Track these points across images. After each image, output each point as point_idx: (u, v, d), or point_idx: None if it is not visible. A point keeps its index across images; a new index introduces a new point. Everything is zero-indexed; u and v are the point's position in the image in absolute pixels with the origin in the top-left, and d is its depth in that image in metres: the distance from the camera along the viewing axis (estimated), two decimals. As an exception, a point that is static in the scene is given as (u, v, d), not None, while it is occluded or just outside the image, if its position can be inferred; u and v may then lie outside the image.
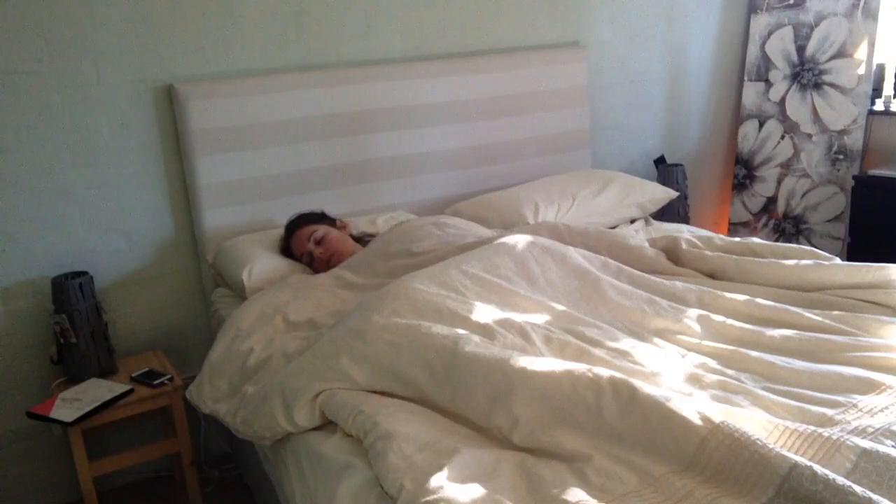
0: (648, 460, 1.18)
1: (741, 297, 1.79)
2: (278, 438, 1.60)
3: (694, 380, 1.47)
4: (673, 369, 1.49)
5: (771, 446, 1.10)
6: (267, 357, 1.78)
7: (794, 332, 1.63)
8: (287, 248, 2.35)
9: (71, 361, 2.17)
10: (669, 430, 1.18)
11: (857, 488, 1.02)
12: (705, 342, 1.63)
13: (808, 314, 1.70)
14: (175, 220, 2.46)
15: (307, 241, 2.29)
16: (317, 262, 2.27)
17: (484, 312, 1.62)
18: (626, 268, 1.95)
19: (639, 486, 1.16)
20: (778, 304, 1.75)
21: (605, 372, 1.31)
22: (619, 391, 1.26)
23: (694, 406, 1.21)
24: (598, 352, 1.52)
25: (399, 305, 1.59)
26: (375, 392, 1.48)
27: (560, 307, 1.72)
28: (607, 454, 1.22)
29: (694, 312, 1.72)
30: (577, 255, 1.95)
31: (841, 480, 1.03)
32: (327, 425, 1.52)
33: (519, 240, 1.96)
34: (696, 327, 1.67)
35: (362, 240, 2.43)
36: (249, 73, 2.47)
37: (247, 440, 2.11)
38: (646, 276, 1.91)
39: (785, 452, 1.09)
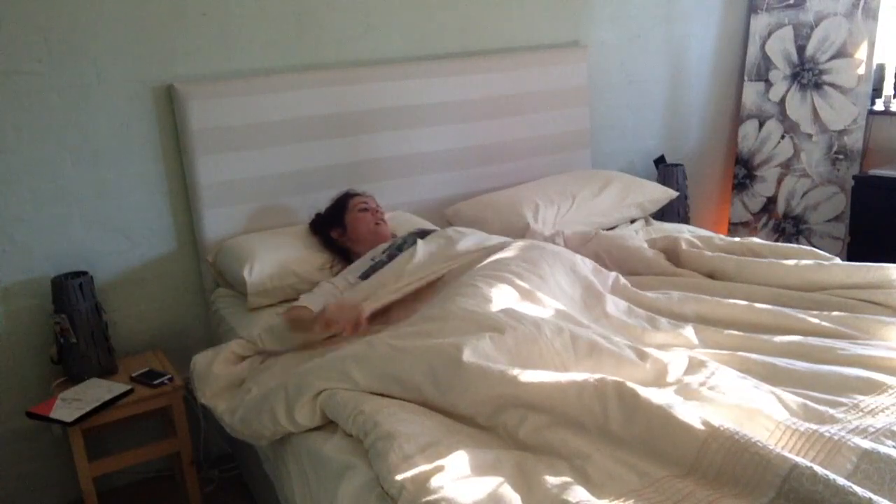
0: (650, 464, 1.19)
1: (740, 303, 1.78)
2: (276, 439, 1.60)
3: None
4: (679, 361, 1.49)
5: (771, 447, 1.10)
6: (274, 361, 1.78)
7: (795, 337, 1.62)
8: (339, 207, 2.38)
9: (71, 361, 2.17)
10: (671, 436, 1.18)
11: (858, 489, 1.02)
12: (706, 350, 1.63)
13: (808, 318, 1.69)
14: (175, 219, 2.46)
15: (372, 202, 2.38)
16: (374, 218, 2.33)
17: (496, 303, 1.62)
18: (628, 286, 1.94)
19: (640, 485, 1.16)
20: (777, 308, 1.75)
21: (609, 379, 1.31)
22: (623, 399, 1.26)
23: (695, 411, 1.21)
24: (609, 346, 1.50)
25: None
26: (375, 394, 1.47)
27: (566, 308, 1.72)
28: (610, 456, 1.22)
29: (693, 326, 1.72)
30: (584, 266, 1.95)
31: (841, 481, 1.03)
32: (328, 426, 1.52)
33: (528, 243, 1.98)
34: (696, 340, 1.67)
35: None
36: (249, 73, 2.47)
37: (245, 441, 2.12)
38: (643, 293, 1.90)
39: (785, 453, 1.09)
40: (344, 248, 2.34)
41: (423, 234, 2.22)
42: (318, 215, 2.45)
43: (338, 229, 2.36)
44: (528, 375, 1.36)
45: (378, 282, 1.96)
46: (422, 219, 2.64)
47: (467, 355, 1.40)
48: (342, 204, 2.39)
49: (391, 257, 2.08)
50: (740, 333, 1.67)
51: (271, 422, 1.55)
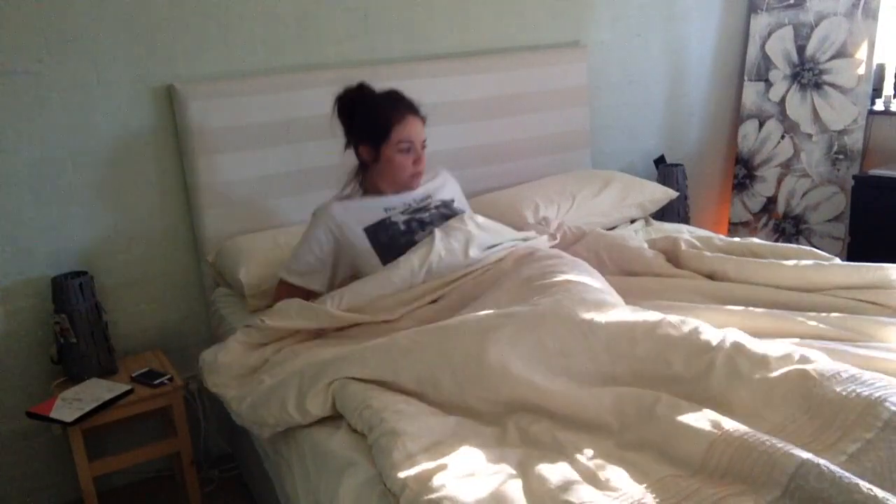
0: (657, 464, 1.19)
1: (737, 309, 1.77)
2: (278, 431, 1.59)
3: None
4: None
5: (780, 446, 1.10)
6: (291, 354, 1.77)
7: (794, 340, 1.62)
8: (382, 125, 2.01)
9: (71, 361, 2.17)
10: (678, 438, 1.19)
11: (864, 486, 1.02)
12: None
13: (806, 321, 1.68)
14: (175, 219, 2.46)
15: (422, 134, 2.05)
16: (415, 168, 2.06)
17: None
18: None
19: (645, 483, 1.16)
20: (775, 312, 1.73)
21: (626, 391, 1.32)
22: (641, 412, 1.27)
23: (703, 414, 1.22)
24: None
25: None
26: (386, 385, 1.47)
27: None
28: (618, 458, 1.23)
29: None
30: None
31: (847, 479, 1.03)
32: (331, 422, 1.51)
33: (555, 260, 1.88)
34: None
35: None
36: (249, 73, 2.47)
37: (245, 441, 2.12)
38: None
39: (793, 450, 1.09)
40: (365, 165, 2.11)
41: (446, 216, 2.08)
42: (356, 112, 2.06)
43: (371, 150, 2.06)
44: (548, 384, 1.36)
45: (381, 283, 1.89)
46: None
47: (491, 356, 1.40)
48: (387, 125, 2.02)
49: (408, 227, 2.00)
50: None
51: (278, 409, 1.53)
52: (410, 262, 1.90)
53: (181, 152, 2.41)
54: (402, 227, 2.04)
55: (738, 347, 1.37)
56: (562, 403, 1.34)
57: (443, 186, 2.25)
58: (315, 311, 1.83)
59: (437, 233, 1.97)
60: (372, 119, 2.04)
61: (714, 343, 1.38)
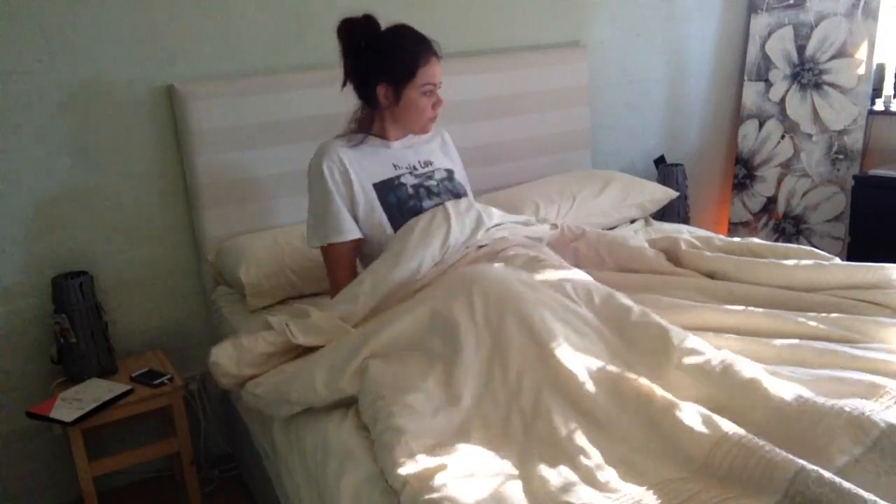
0: (658, 466, 1.19)
1: (737, 309, 1.77)
2: (293, 413, 1.57)
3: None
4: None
5: (778, 451, 1.10)
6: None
7: (794, 340, 1.62)
8: (407, 65, 1.89)
9: (71, 361, 2.17)
10: (678, 440, 1.19)
11: (864, 493, 1.02)
12: None
13: (806, 322, 1.67)
14: (175, 219, 2.46)
15: (438, 81, 1.92)
16: (433, 112, 1.96)
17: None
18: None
19: (645, 485, 1.16)
20: (775, 312, 1.73)
21: (624, 380, 1.33)
22: (639, 403, 1.27)
23: (703, 417, 1.22)
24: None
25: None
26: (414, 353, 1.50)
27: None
28: (618, 459, 1.23)
29: (692, 333, 1.71)
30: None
31: (847, 484, 1.03)
32: (336, 415, 1.51)
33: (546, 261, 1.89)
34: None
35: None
36: (249, 73, 2.47)
37: (245, 441, 2.12)
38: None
39: (791, 457, 1.09)
40: (377, 106, 1.97)
41: (451, 192, 2.03)
42: (368, 47, 1.95)
43: (389, 89, 1.92)
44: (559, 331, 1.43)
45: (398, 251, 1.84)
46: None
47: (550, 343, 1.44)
48: (413, 66, 1.89)
49: (416, 191, 1.95)
50: (738, 337, 1.66)
51: (303, 386, 1.52)
52: (432, 249, 1.85)
53: (181, 152, 2.41)
54: (411, 190, 1.98)
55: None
56: (566, 367, 1.38)
57: (442, 152, 2.17)
58: (340, 325, 1.74)
59: (451, 210, 1.92)
60: (395, 58, 1.90)
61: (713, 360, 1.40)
